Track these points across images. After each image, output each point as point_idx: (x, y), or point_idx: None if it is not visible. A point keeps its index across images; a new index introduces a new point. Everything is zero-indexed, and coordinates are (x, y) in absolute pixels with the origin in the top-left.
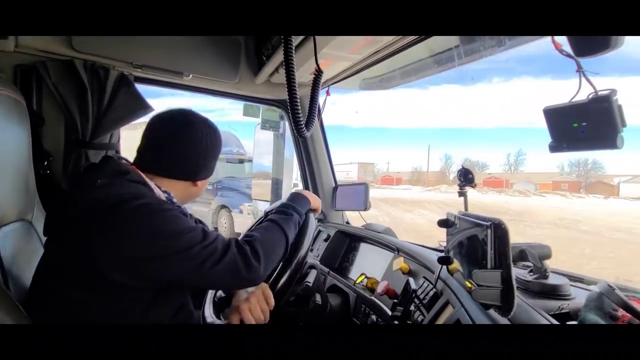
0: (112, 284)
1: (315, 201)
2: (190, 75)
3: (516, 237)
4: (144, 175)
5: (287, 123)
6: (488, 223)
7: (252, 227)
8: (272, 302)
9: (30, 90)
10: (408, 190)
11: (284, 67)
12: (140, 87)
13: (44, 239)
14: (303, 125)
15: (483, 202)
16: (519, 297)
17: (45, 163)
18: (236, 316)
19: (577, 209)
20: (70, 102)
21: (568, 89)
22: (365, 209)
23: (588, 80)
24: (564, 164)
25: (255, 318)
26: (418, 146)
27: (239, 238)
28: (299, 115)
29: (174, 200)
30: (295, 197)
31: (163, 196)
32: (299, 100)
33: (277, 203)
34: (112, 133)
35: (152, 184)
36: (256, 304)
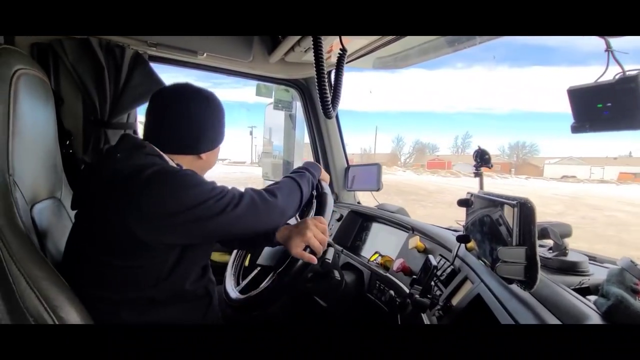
0: (142, 245)
1: (324, 174)
2: (205, 54)
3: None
4: (158, 149)
5: (298, 103)
6: (514, 202)
7: None
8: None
9: (47, 69)
10: None
11: (300, 45)
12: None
13: (72, 215)
14: (330, 105)
15: (405, 182)
16: (540, 273)
17: (67, 142)
18: (300, 243)
19: (491, 189)
20: (87, 82)
21: (523, 77)
22: (378, 189)
23: (616, 60)
24: (504, 146)
25: (320, 241)
26: (381, 129)
27: None
28: (327, 95)
29: None
30: (308, 163)
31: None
32: (326, 80)
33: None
34: (129, 113)
35: (166, 157)
36: (318, 232)
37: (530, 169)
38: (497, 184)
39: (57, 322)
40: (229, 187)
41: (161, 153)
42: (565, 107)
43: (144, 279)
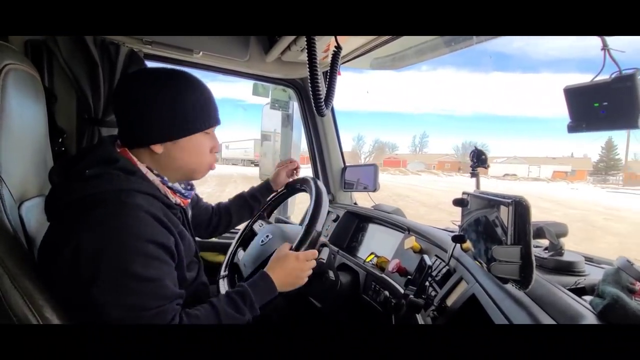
0: None
1: (287, 277)
2: (201, 53)
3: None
4: (135, 161)
5: (296, 103)
6: (509, 200)
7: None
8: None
9: (41, 66)
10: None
11: (297, 44)
12: None
13: None
14: (323, 103)
15: None
16: (535, 273)
17: (60, 140)
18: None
19: (431, 186)
20: (81, 79)
21: (483, 81)
22: (375, 190)
23: (613, 58)
24: (459, 146)
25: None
26: (345, 127)
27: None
28: (319, 93)
29: (169, 184)
30: (261, 282)
31: (157, 180)
32: (319, 77)
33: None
34: None
35: (143, 169)
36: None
37: None
38: (437, 182)
39: (41, 323)
40: (165, 298)
41: (137, 167)
42: (517, 110)
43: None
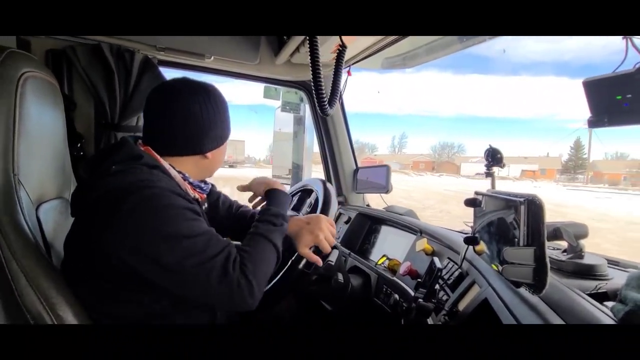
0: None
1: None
2: (212, 57)
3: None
4: (158, 157)
5: (307, 105)
6: (521, 199)
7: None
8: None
9: (61, 75)
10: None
11: (305, 46)
12: None
13: None
14: (326, 103)
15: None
16: (551, 276)
17: (79, 145)
18: (309, 242)
19: (396, 186)
20: (99, 86)
21: (465, 83)
22: (387, 192)
23: (636, 47)
24: (436, 146)
25: (329, 243)
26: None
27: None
28: (322, 93)
29: (191, 180)
30: (276, 196)
31: (179, 177)
32: (322, 77)
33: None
34: (138, 116)
35: (166, 165)
36: (328, 234)
37: (448, 166)
38: (406, 180)
39: (55, 321)
40: (219, 249)
41: (161, 162)
42: (499, 111)
43: (144, 298)
